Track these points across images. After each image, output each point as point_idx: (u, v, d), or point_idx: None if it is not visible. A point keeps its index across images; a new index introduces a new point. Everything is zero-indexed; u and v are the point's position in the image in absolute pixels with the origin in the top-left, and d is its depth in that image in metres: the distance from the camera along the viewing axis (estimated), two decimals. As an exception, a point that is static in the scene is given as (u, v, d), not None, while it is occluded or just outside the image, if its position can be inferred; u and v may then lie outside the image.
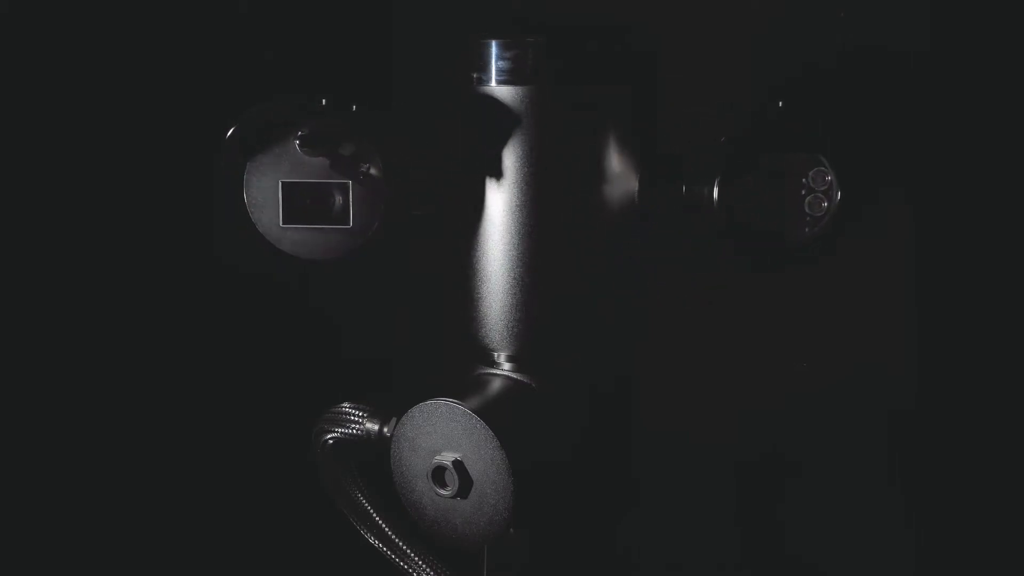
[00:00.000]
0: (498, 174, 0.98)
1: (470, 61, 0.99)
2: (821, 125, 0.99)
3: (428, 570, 1.03)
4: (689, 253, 1.09)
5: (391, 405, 1.00)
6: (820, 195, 0.97)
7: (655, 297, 1.07)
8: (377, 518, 1.05)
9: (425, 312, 1.19)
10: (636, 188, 1.00)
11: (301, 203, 0.93)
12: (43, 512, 1.21)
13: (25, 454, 1.19)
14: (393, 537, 1.04)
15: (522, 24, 0.99)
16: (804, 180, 0.97)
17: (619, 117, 0.99)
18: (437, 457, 0.94)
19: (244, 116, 0.94)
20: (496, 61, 0.97)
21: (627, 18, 1.01)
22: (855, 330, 1.16)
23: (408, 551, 1.04)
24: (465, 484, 0.93)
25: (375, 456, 1.00)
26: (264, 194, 0.94)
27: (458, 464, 0.93)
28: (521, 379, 1.01)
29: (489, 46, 0.98)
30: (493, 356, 1.02)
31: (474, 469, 0.93)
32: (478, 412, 0.92)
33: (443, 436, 0.94)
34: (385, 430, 0.99)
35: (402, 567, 1.04)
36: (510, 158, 0.97)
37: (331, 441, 1.04)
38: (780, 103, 0.99)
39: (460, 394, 0.96)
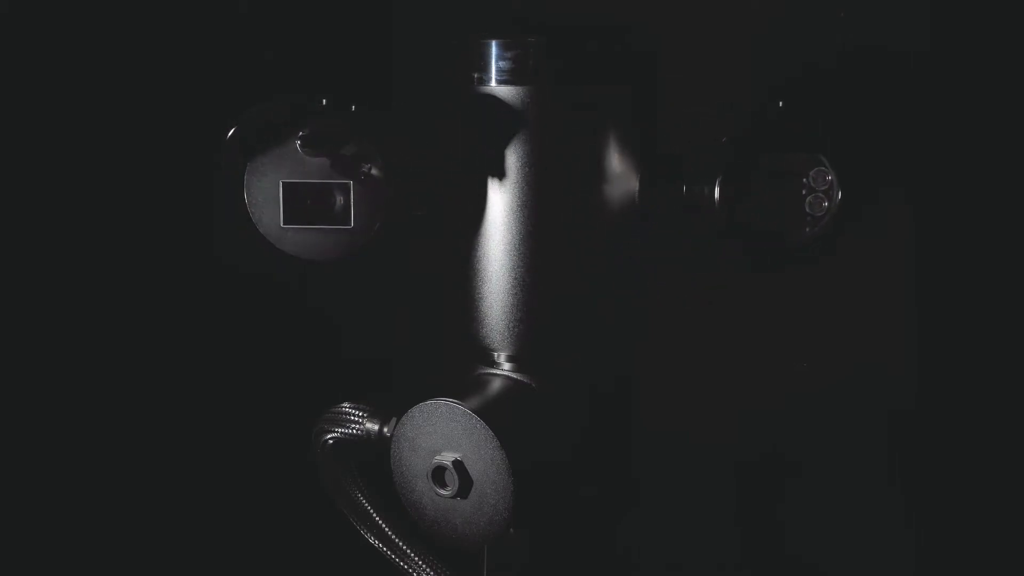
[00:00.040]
0: (498, 174, 0.98)
1: (470, 61, 0.99)
2: (821, 125, 0.99)
3: (428, 570, 1.03)
4: (689, 253, 1.09)
5: (391, 405, 1.00)
6: (821, 195, 0.97)
7: (655, 297, 1.07)
8: (377, 518, 1.05)
9: (425, 312, 1.19)
10: (636, 188, 1.00)
11: (302, 203, 0.93)
12: (43, 512, 1.20)
13: (25, 454, 1.19)
14: (393, 537, 1.04)
15: (522, 24, 0.99)
16: (805, 180, 0.97)
17: (619, 117, 0.99)
18: (437, 457, 0.94)
19: (244, 116, 0.94)
20: (496, 61, 0.97)
21: (627, 18, 1.01)
22: (855, 330, 1.16)
23: (408, 551, 1.04)
24: (465, 484, 0.93)
25: (375, 456, 1.00)
26: (265, 194, 0.94)
27: (458, 464, 0.93)
28: (521, 379, 1.01)
29: (489, 46, 0.98)
30: (493, 356, 1.02)
31: (474, 469, 0.93)
32: (478, 412, 0.92)
33: (443, 436, 0.94)
34: (385, 430, 0.99)
35: (402, 567, 1.04)
36: (510, 158, 0.97)
37: (331, 441, 1.04)
38: (780, 103, 0.99)
39: (460, 394, 0.96)
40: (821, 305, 1.16)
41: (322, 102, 0.94)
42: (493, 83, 0.98)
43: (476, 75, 0.98)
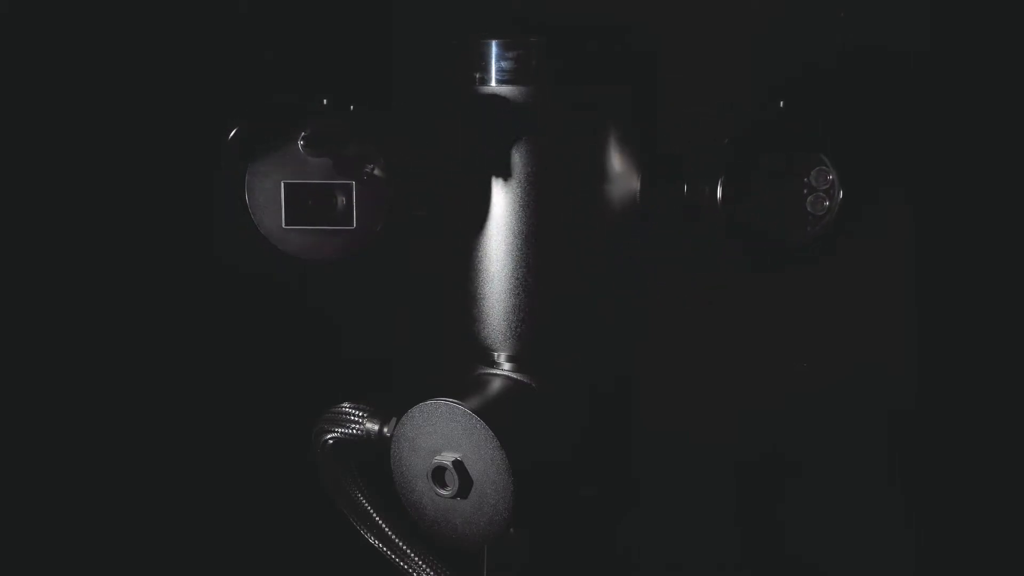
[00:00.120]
0: (498, 174, 0.98)
1: (470, 61, 0.99)
2: (821, 125, 0.99)
3: (428, 570, 1.03)
4: (689, 253, 1.09)
5: (391, 405, 1.00)
6: (822, 194, 0.97)
7: (655, 297, 1.07)
8: (377, 518, 1.05)
9: (425, 312, 1.19)
10: (637, 188, 1.00)
11: (303, 204, 0.93)
12: (43, 512, 1.20)
13: (25, 453, 1.19)
14: (393, 537, 1.04)
15: (522, 24, 0.99)
16: (806, 180, 0.97)
17: (619, 117, 0.99)
18: (437, 457, 0.94)
19: (245, 117, 0.93)
20: (496, 61, 0.97)
21: (627, 18, 1.01)
22: (855, 330, 1.16)
23: (408, 551, 1.04)
24: (465, 484, 0.93)
25: (375, 456, 1.00)
26: (266, 195, 0.94)
27: (458, 464, 0.93)
28: (521, 379, 1.01)
29: (489, 46, 0.98)
30: (493, 356, 1.02)
31: (474, 469, 0.93)
32: (478, 412, 0.92)
33: (443, 436, 0.94)
34: (385, 430, 0.99)
35: (402, 567, 1.04)
36: (510, 158, 0.97)
37: (331, 441, 1.04)
38: (780, 103, 0.98)
39: (460, 394, 0.96)
40: (821, 305, 1.16)
41: (323, 102, 0.94)
42: (493, 83, 0.98)
43: (476, 75, 0.98)
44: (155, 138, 1.16)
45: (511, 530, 0.94)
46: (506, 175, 0.98)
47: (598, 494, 1.05)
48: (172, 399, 1.22)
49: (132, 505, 1.23)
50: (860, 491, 1.18)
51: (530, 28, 0.98)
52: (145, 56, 1.15)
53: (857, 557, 1.18)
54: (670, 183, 1.00)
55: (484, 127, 0.98)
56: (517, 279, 0.99)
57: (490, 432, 0.91)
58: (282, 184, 0.93)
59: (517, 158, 0.97)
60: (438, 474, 0.94)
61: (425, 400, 0.95)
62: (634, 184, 1.00)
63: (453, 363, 1.05)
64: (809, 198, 0.97)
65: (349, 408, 1.02)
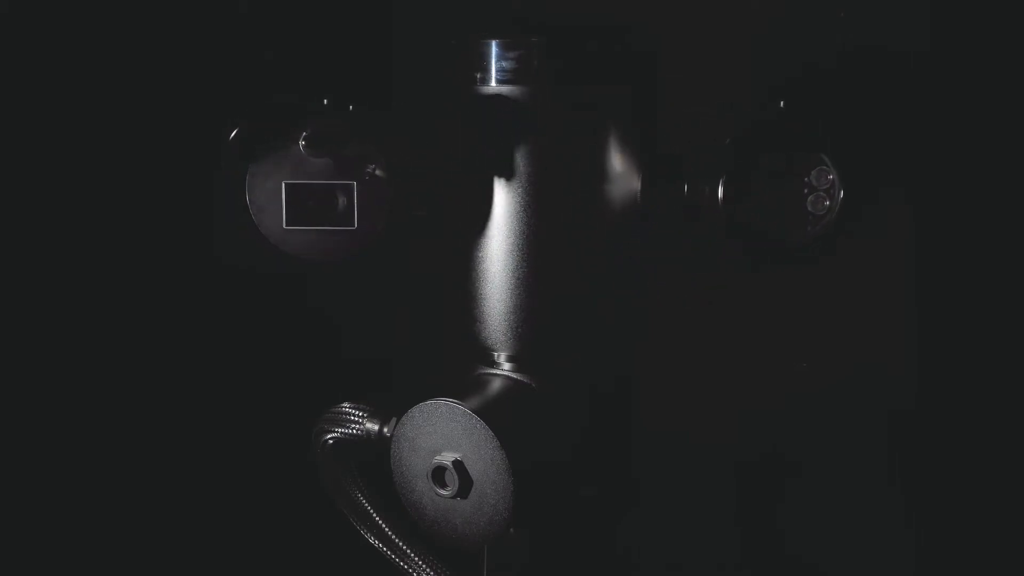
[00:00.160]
0: (498, 174, 0.98)
1: (470, 61, 0.99)
2: (821, 125, 0.99)
3: (428, 570, 1.03)
4: (689, 253, 1.09)
5: (391, 405, 1.00)
6: (822, 194, 0.97)
7: (655, 297, 1.07)
8: (377, 518, 1.05)
9: (425, 312, 1.19)
10: (637, 188, 1.00)
11: (304, 204, 0.93)
12: (42, 512, 1.20)
13: (24, 453, 1.19)
14: (393, 537, 1.04)
15: (522, 24, 0.99)
16: (806, 179, 0.97)
17: (619, 117, 0.99)
18: (437, 457, 0.94)
19: (246, 117, 0.93)
20: (496, 61, 0.97)
21: (627, 18, 1.01)
22: (855, 330, 1.16)
23: (408, 551, 1.04)
24: (465, 484, 0.93)
25: (375, 456, 1.00)
26: (267, 196, 0.94)
27: (458, 464, 0.93)
28: (521, 379, 1.01)
29: (489, 46, 0.98)
30: (493, 356, 1.02)
31: (474, 469, 0.93)
32: (478, 412, 0.92)
33: (443, 436, 0.94)
34: (385, 430, 0.99)
35: (402, 567, 1.04)
36: (510, 158, 0.97)
37: (331, 441, 1.04)
38: (780, 103, 0.98)
39: (460, 394, 0.96)
40: (821, 305, 1.16)
41: (323, 102, 0.94)
42: (493, 83, 0.98)
43: (476, 75, 0.98)
44: (156, 138, 1.16)
45: (511, 530, 0.94)
46: (506, 175, 0.98)
47: (598, 494, 1.05)
48: (172, 399, 1.22)
49: (132, 505, 1.23)
50: (860, 491, 1.18)
51: (530, 28, 0.98)
52: (145, 56, 1.15)
53: (857, 557, 1.18)
54: (670, 183, 1.00)
55: (484, 127, 0.98)
56: (517, 279, 0.99)
57: (490, 432, 0.91)
58: (283, 184, 0.93)
59: (517, 158, 0.97)
60: (438, 474, 0.94)
61: (425, 400, 0.95)
62: (634, 184, 1.00)
63: (453, 363, 1.05)
64: (810, 198, 0.97)
65: (349, 408, 1.02)
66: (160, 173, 1.17)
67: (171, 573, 1.25)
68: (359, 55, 1.14)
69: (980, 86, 1.09)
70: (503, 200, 0.98)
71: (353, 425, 1.02)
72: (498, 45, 0.97)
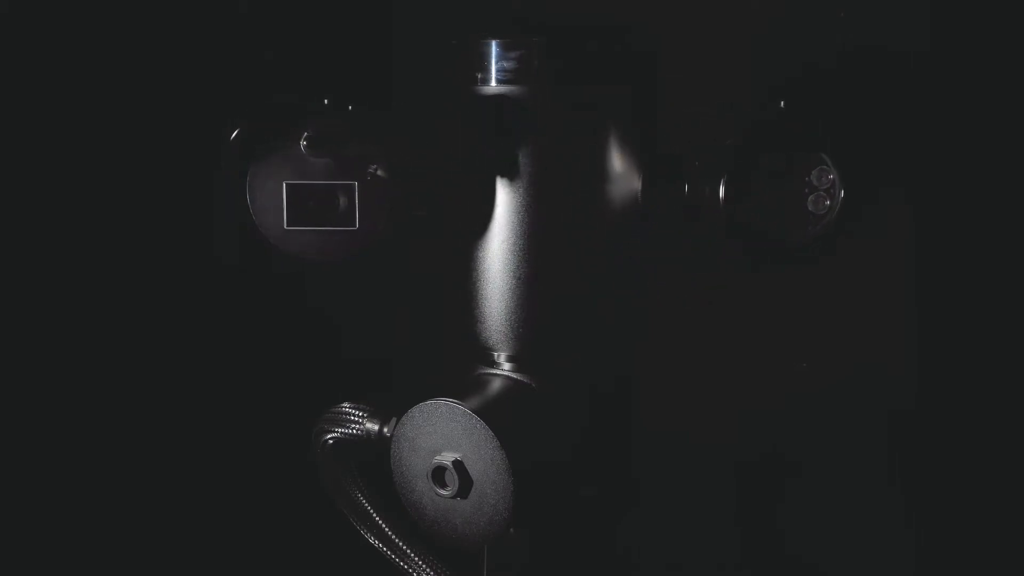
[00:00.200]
0: (498, 174, 0.98)
1: (470, 61, 0.99)
2: (821, 125, 0.99)
3: (428, 570, 1.03)
4: (689, 253, 1.09)
5: (391, 405, 1.00)
6: (823, 193, 0.97)
7: (655, 297, 1.07)
8: (377, 518, 1.05)
9: (425, 312, 1.19)
10: (637, 188, 1.00)
11: (305, 205, 0.93)
12: (42, 512, 1.20)
13: (24, 453, 1.19)
14: (393, 537, 1.04)
15: (522, 24, 0.99)
16: (806, 179, 0.97)
17: (619, 117, 0.99)
18: (437, 457, 0.94)
19: (246, 117, 0.93)
20: (497, 61, 0.97)
21: (627, 18, 1.01)
22: (855, 330, 1.16)
23: (408, 551, 1.04)
24: (465, 484, 0.93)
25: (375, 456, 1.00)
26: (267, 196, 0.94)
27: (458, 464, 0.93)
28: (521, 379, 1.01)
29: (490, 46, 0.98)
30: (493, 356, 1.02)
31: (474, 469, 0.93)
32: (478, 412, 0.92)
33: (443, 436, 0.94)
34: (385, 430, 0.99)
35: (402, 567, 1.04)
36: (510, 158, 0.97)
37: (331, 441, 1.04)
38: (780, 103, 0.99)
39: (460, 394, 0.96)
40: (821, 305, 1.16)
41: (323, 102, 0.94)
42: (493, 83, 0.98)
43: (476, 75, 0.98)
44: (156, 138, 1.16)
45: (511, 530, 0.94)
46: (506, 175, 0.98)
47: (598, 494, 1.05)
48: (173, 399, 1.22)
49: (132, 505, 1.23)
50: (860, 491, 1.18)
51: (530, 28, 0.98)
52: (146, 56, 1.15)
53: (857, 557, 1.18)
54: (670, 183, 1.00)
55: (484, 127, 0.98)
56: (517, 279, 0.99)
57: (490, 432, 0.91)
58: (284, 185, 0.93)
59: (517, 158, 0.97)
60: (438, 474, 0.94)
61: (425, 400, 0.95)
62: (634, 184, 1.00)
63: (453, 363, 1.05)
64: (810, 197, 0.97)
65: (349, 408, 1.02)
66: (160, 173, 1.17)
67: (171, 573, 1.25)
68: (359, 55, 1.14)
69: (980, 86, 1.09)
70: (503, 200, 0.98)
71: (353, 425, 1.02)
72: (498, 45, 0.97)
